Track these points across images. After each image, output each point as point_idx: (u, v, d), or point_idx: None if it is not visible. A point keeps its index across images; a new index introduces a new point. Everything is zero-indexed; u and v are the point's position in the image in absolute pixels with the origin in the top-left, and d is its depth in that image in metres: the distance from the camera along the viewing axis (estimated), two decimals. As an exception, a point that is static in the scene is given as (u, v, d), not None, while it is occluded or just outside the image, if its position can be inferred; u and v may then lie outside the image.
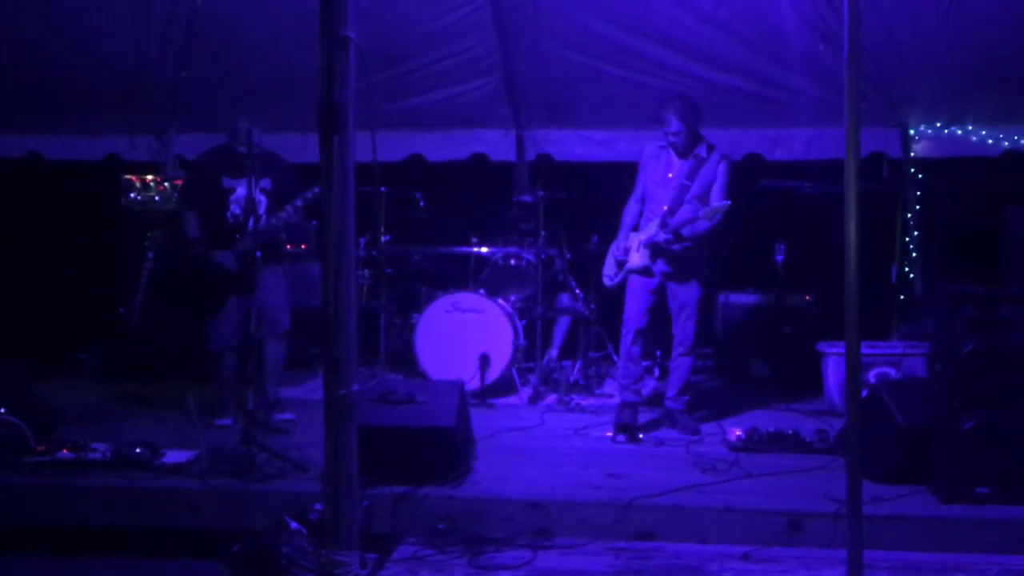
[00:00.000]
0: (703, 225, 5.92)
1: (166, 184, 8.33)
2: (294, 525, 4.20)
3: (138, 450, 5.21)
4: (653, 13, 6.67)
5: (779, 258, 7.84)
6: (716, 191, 6.01)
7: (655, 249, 6.03)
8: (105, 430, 5.82)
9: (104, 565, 4.74)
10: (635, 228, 6.22)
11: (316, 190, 6.07)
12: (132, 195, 8.34)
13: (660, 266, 6.09)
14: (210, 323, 6.22)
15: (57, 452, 5.22)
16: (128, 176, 8.37)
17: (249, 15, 6.77)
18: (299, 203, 6.02)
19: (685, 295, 6.12)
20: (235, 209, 6.16)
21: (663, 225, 5.97)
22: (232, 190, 6.16)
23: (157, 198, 8.35)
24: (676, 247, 6.01)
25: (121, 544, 4.78)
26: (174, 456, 5.27)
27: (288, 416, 6.27)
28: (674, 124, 5.96)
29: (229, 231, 6.13)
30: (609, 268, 6.33)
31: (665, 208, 6.03)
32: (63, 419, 5.99)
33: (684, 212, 5.99)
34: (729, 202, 5.80)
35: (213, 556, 4.27)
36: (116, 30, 6.96)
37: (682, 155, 6.07)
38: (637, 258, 6.08)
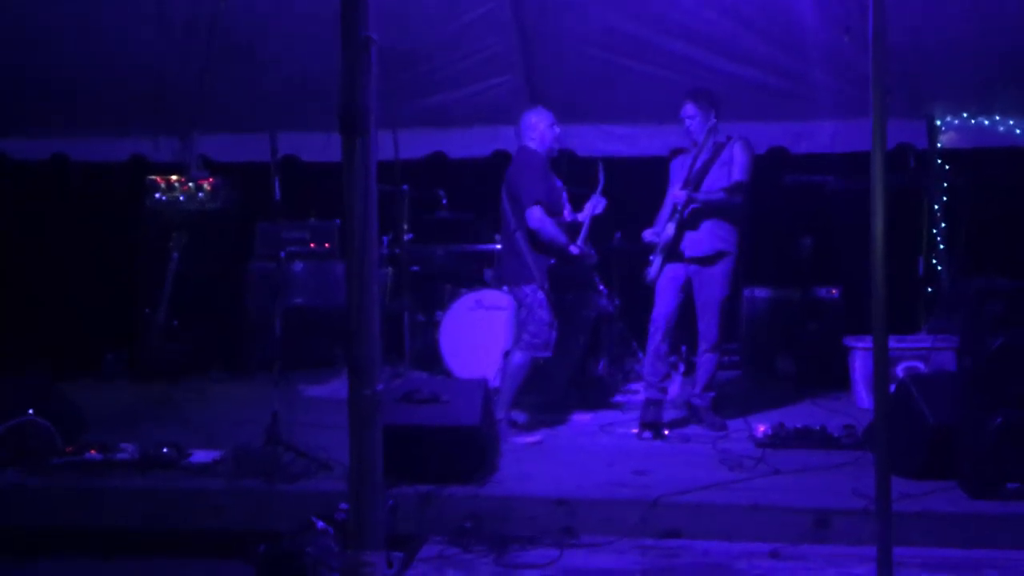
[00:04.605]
0: (720, 196, 5.97)
1: (190, 184, 8.37)
2: (321, 525, 4.18)
3: (165, 450, 5.24)
4: (674, 8, 6.64)
5: (805, 252, 7.78)
6: (737, 166, 6.04)
7: (676, 213, 6.04)
8: (132, 431, 5.83)
9: (130, 565, 4.75)
10: None
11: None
12: (157, 195, 8.39)
13: (687, 245, 6.08)
14: (552, 330, 5.91)
15: (85, 453, 5.24)
16: (153, 177, 8.43)
17: (270, 17, 6.78)
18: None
19: (711, 291, 6.09)
20: (567, 209, 6.25)
21: (684, 187, 6.03)
22: (561, 189, 6.30)
23: (182, 198, 8.39)
24: (695, 205, 6.02)
25: (147, 544, 4.79)
26: (200, 456, 5.28)
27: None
28: (688, 108, 6.07)
29: (565, 228, 6.13)
30: (654, 265, 6.27)
31: (685, 177, 6.09)
32: (89, 420, 6.01)
33: (709, 180, 6.05)
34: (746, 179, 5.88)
35: (239, 556, 4.27)
36: (139, 33, 7.00)
37: (698, 145, 6.07)
38: (671, 228, 6.07)
